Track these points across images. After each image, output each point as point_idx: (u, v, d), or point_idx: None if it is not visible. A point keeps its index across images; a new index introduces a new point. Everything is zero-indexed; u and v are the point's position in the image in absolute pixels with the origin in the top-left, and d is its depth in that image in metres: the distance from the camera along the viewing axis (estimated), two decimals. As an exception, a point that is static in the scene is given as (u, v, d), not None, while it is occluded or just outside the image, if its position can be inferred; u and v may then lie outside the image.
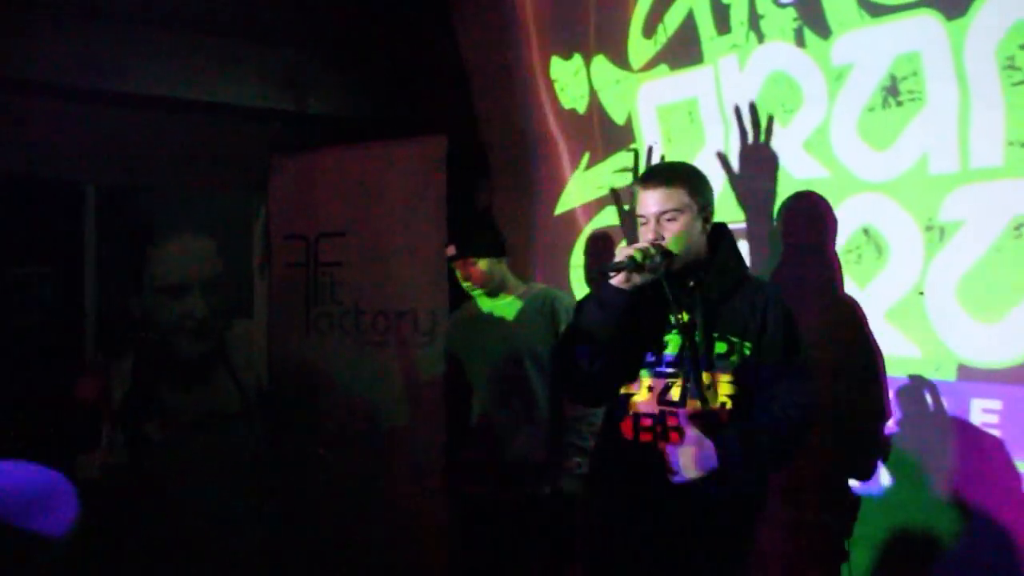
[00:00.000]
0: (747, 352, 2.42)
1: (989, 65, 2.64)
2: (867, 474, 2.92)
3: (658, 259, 2.38)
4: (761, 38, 3.19)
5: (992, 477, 2.65)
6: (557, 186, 4.03)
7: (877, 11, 2.86)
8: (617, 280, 2.38)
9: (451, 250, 3.41)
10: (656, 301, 2.43)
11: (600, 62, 3.77)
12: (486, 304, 3.49)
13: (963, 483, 2.71)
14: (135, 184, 4.47)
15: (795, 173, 3.14)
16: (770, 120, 3.18)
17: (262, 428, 4.74)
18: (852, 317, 2.94)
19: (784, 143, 3.17)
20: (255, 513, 4.56)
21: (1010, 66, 2.60)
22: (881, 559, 2.87)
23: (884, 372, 2.90)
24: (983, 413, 2.66)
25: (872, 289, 2.93)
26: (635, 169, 3.66)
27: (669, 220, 2.42)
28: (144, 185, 4.50)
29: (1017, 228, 2.60)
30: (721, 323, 2.44)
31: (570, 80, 3.92)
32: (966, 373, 2.69)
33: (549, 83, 4.00)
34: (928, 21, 2.75)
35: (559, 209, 4.03)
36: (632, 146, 3.69)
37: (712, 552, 2.46)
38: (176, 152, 4.52)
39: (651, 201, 2.43)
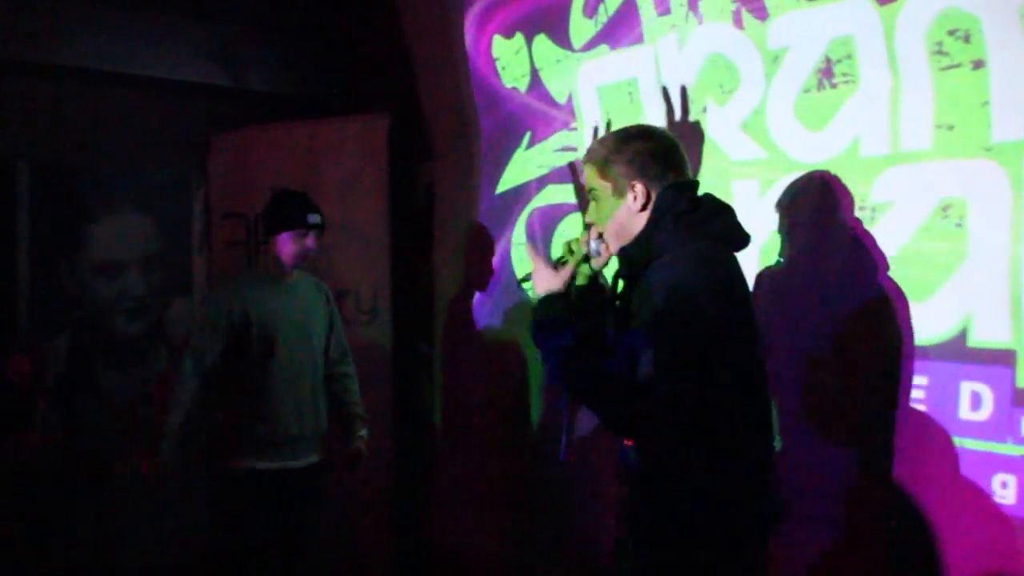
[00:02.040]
0: None
1: (919, 50, 2.70)
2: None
3: (590, 246, 2.28)
4: (700, 19, 3.22)
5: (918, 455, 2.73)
6: (499, 164, 4.04)
7: (813, -6, 2.91)
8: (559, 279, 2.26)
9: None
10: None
11: (542, 41, 3.78)
12: (287, 276, 3.57)
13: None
14: (70, 160, 4.37)
15: (732, 154, 3.18)
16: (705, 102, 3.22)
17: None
18: (878, 304, 2.73)
19: (722, 124, 3.21)
20: (192, 492, 4.53)
21: (938, 51, 2.66)
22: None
23: (908, 363, 2.70)
24: (911, 389, 2.73)
25: (806, 268, 2.98)
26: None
27: (593, 200, 2.28)
28: (79, 161, 4.41)
29: (944, 209, 2.66)
30: (630, 311, 2.18)
31: (512, 59, 3.92)
32: (895, 350, 2.76)
33: (491, 61, 3.99)
34: (861, 5, 2.80)
35: (500, 187, 4.04)
36: (574, 125, 3.71)
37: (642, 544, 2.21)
38: (113, 128, 4.44)
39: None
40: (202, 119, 4.68)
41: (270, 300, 3.49)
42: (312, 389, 3.54)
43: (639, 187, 2.19)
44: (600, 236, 2.27)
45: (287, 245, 3.47)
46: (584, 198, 3.66)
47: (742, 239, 2.28)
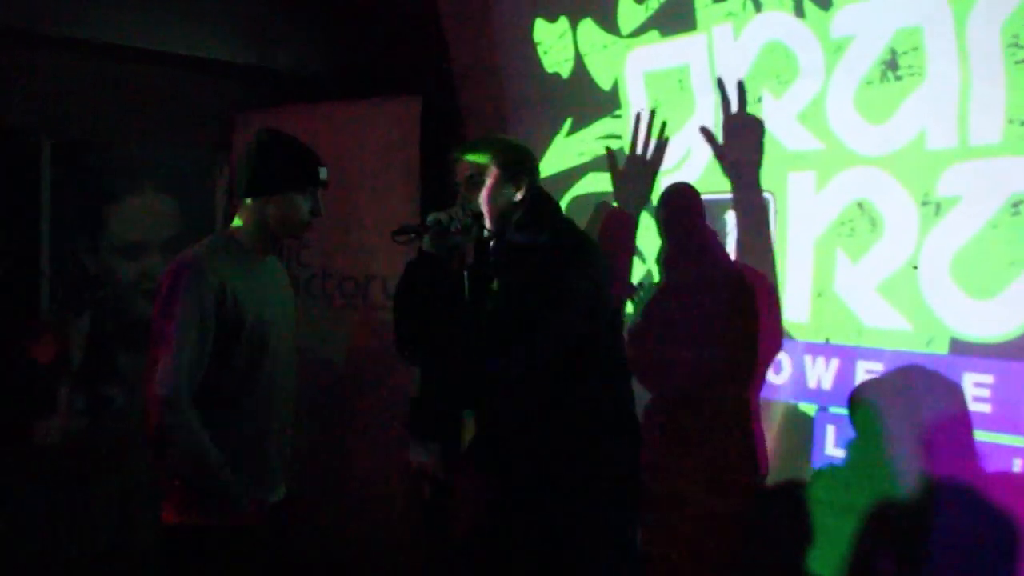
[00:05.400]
0: None
1: (993, 42, 2.65)
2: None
3: (466, 221, 2.55)
4: (759, 7, 3.16)
5: (974, 452, 2.70)
6: (536, 152, 3.96)
7: (881, -16, 2.86)
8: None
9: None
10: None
11: (587, 26, 3.70)
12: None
13: (947, 457, 2.76)
14: (93, 138, 4.27)
15: (788, 145, 3.13)
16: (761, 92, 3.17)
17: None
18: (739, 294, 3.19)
19: (778, 114, 3.16)
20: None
21: (1014, 44, 2.61)
22: (867, 526, 2.90)
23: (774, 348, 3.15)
24: (975, 387, 2.70)
25: (865, 263, 2.94)
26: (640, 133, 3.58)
27: (473, 185, 2.59)
28: (103, 139, 4.31)
29: (1015, 206, 2.63)
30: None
31: (554, 43, 3.85)
32: (958, 347, 2.73)
33: (532, 45, 3.92)
34: (932, -4, 2.75)
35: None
36: (618, 112, 3.65)
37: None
38: (137, 106, 4.33)
39: (458, 170, 2.64)
40: (228, 98, 4.58)
41: (257, 287, 2.69)
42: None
43: (524, 181, 2.60)
44: (477, 215, 2.58)
45: (296, 209, 2.70)
46: (618, 184, 3.62)
47: None
